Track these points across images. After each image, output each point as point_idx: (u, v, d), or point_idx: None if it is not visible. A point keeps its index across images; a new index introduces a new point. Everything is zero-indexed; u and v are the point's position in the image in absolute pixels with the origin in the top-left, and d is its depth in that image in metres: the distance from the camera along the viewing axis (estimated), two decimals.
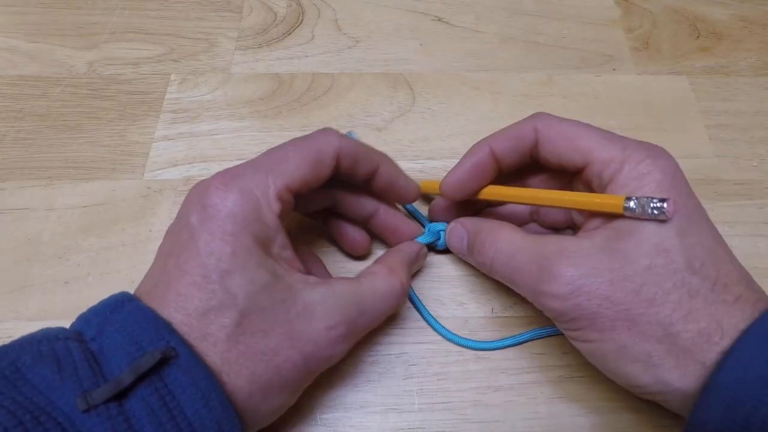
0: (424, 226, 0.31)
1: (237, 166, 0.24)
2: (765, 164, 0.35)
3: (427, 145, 0.36)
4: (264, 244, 0.22)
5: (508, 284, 0.26)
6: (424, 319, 0.29)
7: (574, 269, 0.22)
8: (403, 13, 0.43)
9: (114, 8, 0.42)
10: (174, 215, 0.25)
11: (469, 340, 0.28)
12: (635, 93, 0.38)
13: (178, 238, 0.22)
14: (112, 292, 0.22)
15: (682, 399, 0.22)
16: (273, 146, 0.25)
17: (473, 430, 0.26)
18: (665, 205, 0.21)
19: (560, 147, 0.25)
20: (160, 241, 0.24)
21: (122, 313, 0.20)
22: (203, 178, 0.33)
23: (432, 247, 0.31)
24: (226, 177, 0.23)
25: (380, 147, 0.35)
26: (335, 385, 0.27)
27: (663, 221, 0.22)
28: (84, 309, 0.21)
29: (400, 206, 0.32)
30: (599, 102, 0.38)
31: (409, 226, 0.30)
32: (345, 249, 0.31)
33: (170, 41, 0.40)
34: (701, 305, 0.21)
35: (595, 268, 0.22)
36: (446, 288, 0.30)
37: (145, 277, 0.23)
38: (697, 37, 0.42)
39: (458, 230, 0.29)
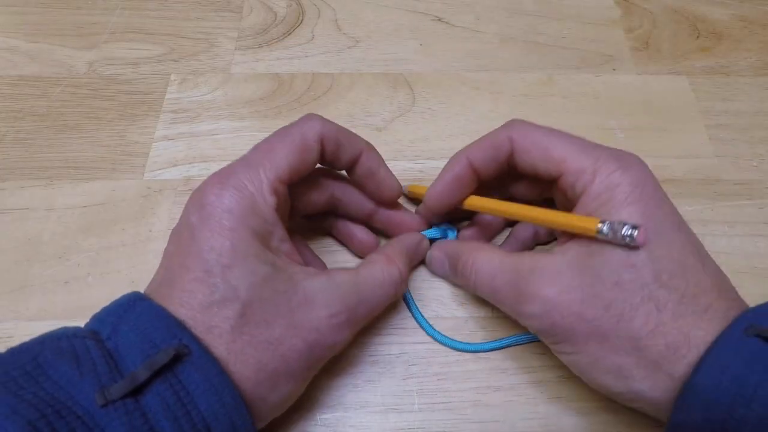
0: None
1: (229, 165, 0.24)
2: (765, 164, 0.35)
3: (427, 145, 0.36)
4: (263, 238, 0.23)
5: (492, 303, 0.26)
6: (414, 318, 0.29)
7: (547, 289, 0.23)
8: (403, 13, 0.43)
9: (114, 8, 0.42)
10: (174, 215, 0.25)
11: (454, 340, 0.28)
12: (635, 93, 0.38)
13: (180, 238, 0.23)
14: (112, 292, 0.22)
15: (656, 407, 0.22)
16: (258, 144, 0.25)
17: (473, 430, 0.26)
18: (636, 233, 0.21)
19: (534, 157, 0.25)
20: (160, 241, 0.24)
21: (135, 312, 0.21)
22: (203, 178, 0.33)
23: None
24: (221, 176, 0.23)
25: (380, 147, 0.35)
26: (335, 385, 0.27)
27: (634, 248, 0.22)
28: (84, 309, 0.22)
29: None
30: (599, 102, 0.38)
31: (413, 219, 0.30)
32: (354, 251, 0.31)
33: (170, 41, 0.40)
34: (669, 318, 0.21)
35: (567, 286, 0.23)
36: (446, 288, 0.30)
37: (152, 278, 0.24)
38: (697, 37, 0.42)
39: (438, 257, 0.29)
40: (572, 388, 0.27)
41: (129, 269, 0.31)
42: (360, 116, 0.37)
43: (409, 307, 0.30)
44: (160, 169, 0.34)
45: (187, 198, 0.24)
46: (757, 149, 0.36)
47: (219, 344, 0.21)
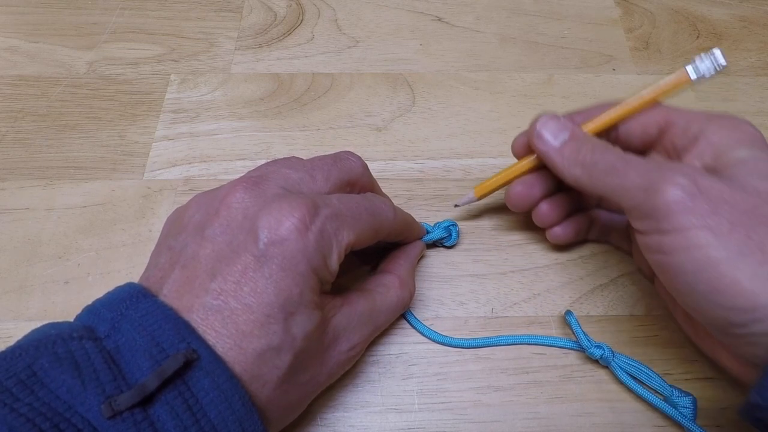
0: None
1: (314, 201, 0.22)
2: None
3: (427, 145, 0.36)
4: (322, 285, 0.22)
5: (601, 177, 0.24)
6: (407, 320, 0.29)
7: (693, 170, 0.22)
8: (403, 13, 0.43)
9: (114, 8, 0.42)
10: None
11: (438, 333, 0.28)
12: (635, 93, 0.38)
13: (236, 258, 0.21)
14: None
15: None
16: (344, 198, 0.24)
17: (473, 430, 0.26)
18: (717, 52, 0.24)
19: (642, 113, 0.27)
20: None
21: (138, 310, 0.19)
22: (203, 178, 0.34)
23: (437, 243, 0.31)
24: (310, 213, 0.21)
25: (380, 147, 0.36)
26: (335, 385, 0.27)
27: (723, 68, 0.24)
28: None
29: None
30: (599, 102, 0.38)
31: (416, 223, 0.30)
32: None
33: (170, 41, 0.40)
34: None
35: (713, 177, 0.22)
36: (446, 288, 0.30)
37: (154, 266, 0.22)
38: (697, 37, 0.42)
39: (558, 125, 0.27)
40: (573, 388, 0.27)
41: (129, 269, 0.31)
42: (360, 116, 0.37)
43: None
44: (160, 169, 0.34)
45: (186, 198, 0.24)
46: None
47: (261, 393, 0.20)
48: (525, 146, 0.29)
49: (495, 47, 0.41)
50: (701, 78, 0.25)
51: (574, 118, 0.28)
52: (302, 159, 0.25)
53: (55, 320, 0.21)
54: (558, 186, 0.29)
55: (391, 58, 0.40)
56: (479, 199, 0.31)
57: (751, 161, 0.22)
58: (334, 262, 0.22)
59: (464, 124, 0.37)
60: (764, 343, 0.20)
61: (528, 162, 0.29)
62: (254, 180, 0.23)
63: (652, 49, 0.41)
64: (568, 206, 0.30)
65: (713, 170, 0.23)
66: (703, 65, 0.25)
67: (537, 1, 0.44)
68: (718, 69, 0.25)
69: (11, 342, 0.28)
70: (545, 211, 0.29)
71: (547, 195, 0.29)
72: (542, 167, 0.28)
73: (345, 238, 0.22)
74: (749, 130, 0.24)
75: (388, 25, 0.42)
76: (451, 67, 0.40)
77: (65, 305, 0.29)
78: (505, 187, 0.30)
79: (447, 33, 0.42)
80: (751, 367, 0.22)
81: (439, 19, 0.42)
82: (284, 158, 0.25)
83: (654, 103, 0.27)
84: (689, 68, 0.25)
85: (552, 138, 0.26)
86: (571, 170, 0.26)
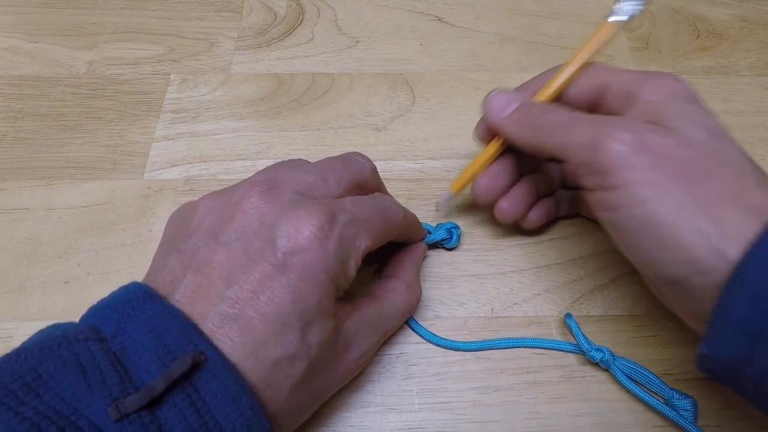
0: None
1: (331, 208, 0.22)
2: (765, 164, 0.35)
3: (427, 145, 0.36)
4: (337, 292, 0.22)
5: (549, 136, 0.25)
6: (407, 324, 0.29)
7: (636, 125, 0.22)
8: (403, 13, 0.43)
9: (114, 8, 0.42)
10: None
11: (437, 336, 0.28)
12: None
13: (253, 266, 0.20)
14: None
15: (727, 277, 0.20)
16: (357, 202, 0.24)
17: (473, 430, 0.26)
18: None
19: (581, 77, 0.27)
20: (159, 241, 0.24)
21: (145, 311, 0.19)
22: (203, 178, 0.34)
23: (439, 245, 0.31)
24: (329, 220, 0.21)
25: (380, 147, 0.36)
26: None
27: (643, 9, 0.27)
28: (84, 309, 0.21)
29: None
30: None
31: (420, 223, 0.30)
32: None
33: (170, 41, 0.40)
34: (752, 186, 0.21)
35: (655, 131, 0.22)
36: (446, 288, 0.30)
37: (163, 268, 0.22)
38: (697, 37, 0.42)
39: (506, 98, 0.28)
40: (573, 388, 0.27)
41: (129, 269, 0.31)
42: (360, 116, 0.37)
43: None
44: (160, 169, 0.34)
45: (186, 198, 0.24)
46: (757, 149, 0.36)
47: (274, 401, 0.20)
48: (486, 129, 0.29)
49: (495, 47, 0.41)
50: (631, 18, 0.27)
51: (523, 92, 0.29)
52: (310, 162, 0.25)
53: (56, 320, 0.21)
54: (519, 174, 0.30)
55: (391, 58, 0.40)
56: (457, 193, 0.31)
57: (687, 114, 0.23)
58: (352, 268, 0.22)
59: (464, 124, 0.37)
60: (707, 296, 0.20)
61: (492, 145, 0.29)
62: (268, 184, 0.22)
63: (652, 49, 0.41)
64: (529, 198, 0.30)
65: (653, 124, 0.24)
66: (627, 6, 0.27)
67: (537, 1, 0.44)
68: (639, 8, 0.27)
69: (11, 342, 0.28)
70: (506, 208, 0.29)
71: (511, 184, 0.29)
72: (505, 151, 0.29)
73: (362, 244, 0.22)
74: (682, 87, 0.24)
75: (388, 25, 0.42)
76: (451, 67, 0.40)
77: (65, 305, 0.29)
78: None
79: (447, 33, 0.42)
80: (703, 322, 0.22)
81: (439, 19, 0.42)
82: (292, 160, 0.25)
83: (590, 62, 0.28)
84: (613, 18, 0.27)
85: (501, 110, 0.27)
86: (521, 133, 0.26)
